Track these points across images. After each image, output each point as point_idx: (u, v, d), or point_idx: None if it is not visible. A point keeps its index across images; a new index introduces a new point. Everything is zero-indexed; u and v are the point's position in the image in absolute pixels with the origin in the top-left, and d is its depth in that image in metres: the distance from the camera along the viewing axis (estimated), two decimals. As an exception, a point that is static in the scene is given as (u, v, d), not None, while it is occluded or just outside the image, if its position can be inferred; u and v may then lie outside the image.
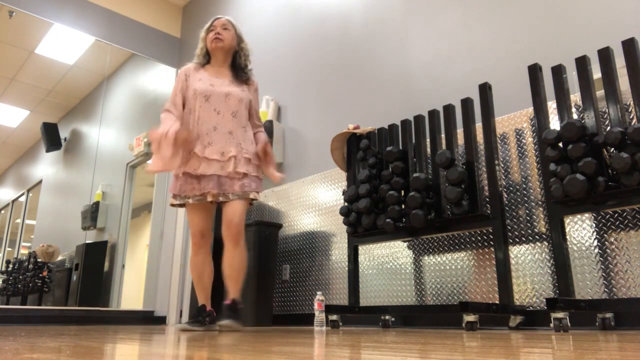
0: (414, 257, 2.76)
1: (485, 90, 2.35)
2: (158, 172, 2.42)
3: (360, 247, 3.05)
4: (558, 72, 2.10)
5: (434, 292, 2.62)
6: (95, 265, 4.91)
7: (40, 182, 5.29)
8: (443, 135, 2.79)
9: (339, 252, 3.23)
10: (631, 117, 2.07)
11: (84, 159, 5.24)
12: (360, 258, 3.05)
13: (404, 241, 2.82)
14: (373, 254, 2.99)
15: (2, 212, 5.20)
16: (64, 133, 5.23)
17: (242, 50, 2.68)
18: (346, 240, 3.19)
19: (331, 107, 3.61)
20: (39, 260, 4.86)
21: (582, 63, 2.03)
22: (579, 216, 2.15)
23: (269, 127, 3.88)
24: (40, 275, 4.83)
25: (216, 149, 2.45)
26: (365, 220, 2.62)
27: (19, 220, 5.15)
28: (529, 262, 2.27)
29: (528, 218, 2.32)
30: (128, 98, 5.54)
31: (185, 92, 2.58)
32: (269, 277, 3.38)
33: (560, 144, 1.96)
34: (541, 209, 2.29)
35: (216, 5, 5.31)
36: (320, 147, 3.62)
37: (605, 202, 1.88)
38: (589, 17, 2.32)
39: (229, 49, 2.62)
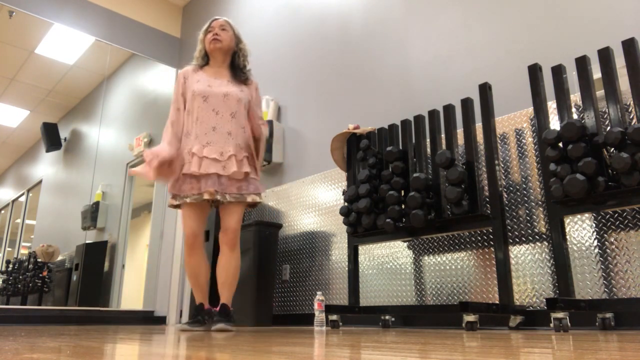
0: (414, 257, 2.76)
1: (485, 90, 2.35)
2: (137, 175, 2.44)
3: (360, 247, 3.05)
4: (558, 72, 2.10)
5: (434, 292, 2.62)
6: (95, 265, 4.91)
7: (40, 182, 5.29)
8: (443, 135, 2.79)
9: (339, 252, 3.23)
10: (631, 117, 2.07)
11: (84, 159, 5.24)
12: (360, 258, 3.05)
13: (404, 241, 2.82)
14: (373, 254, 2.99)
15: (2, 212, 5.20)
16: (64, 133, 5.23)
17: (241, 50, 2.68)
18: (346, 240, 3.19)
19: (331, 107, 3.61)
20: (39, 260, 4.86)
21: (582, 63, 2.03)
22: (579, 216, 2.15)
23: (269, 127, 3.88)
24: (40, 275, 4.83)
25: (215, 148, 2.45)
26: (365, 220, 2.62)
27: (19, 220, 5.15)
28: (529, 262, 2.27)
29: (528, 218, 2.32)
30: (128, 98, 5.54)
31: (185, 94, 2.59)
32: (269, 277, 3.38)
33: (560, 144, 1.96)
34: (541, 209, 2.29)
35: (216, 6, 5.31)
36: (320, 147, 3.62)
37: (605, 202, 1.88)
38: (589, 17, 2.32)
39: (227, 49, 2.62)
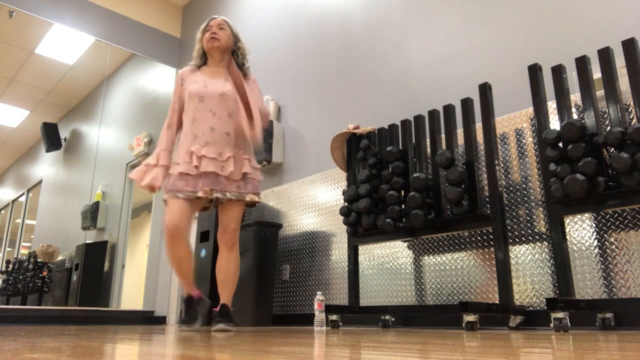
0: (414, 257, 2.76)
1: (485, 90, 2.35)
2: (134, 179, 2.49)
3: (360, 247, 3.05)
4: (558, 72, 2.10)
5: (434, 292, 2.62)
6: (95, 265, 4.91)
7: (40, 182, 5.29)
8: (443, 135, 2.79)
9: (339, 252, 3.23)
10: (631, 117, 2.07)
11: (84, 159, 5.24)
12: (360, 258, 3.05)
13: (404, 241, 2.82)
14: (373, 254, 2.99)
15: (2, 212, 5.20)
16: (64, 133, 5.23)
17: (239, 49, 2.66)
18: (346, 240, 3.19)
19: (331, 107, 3.61)
20: (39, 260, 4.86)
21: (582, 63, 2.03)
22: (579, 216, 2.15)
23: (269, 127, 3.88)
24: (40, 275, 4.83)
25: (214, 149, 2.44)
26: (365, 220, 2.62)
27: (19, 220, 5.15)
28: (529, 262, 2.27)
29: (528, 218, 2.32)
30: (128, 98, 5.55)
31: (182, 96, 2.59)
32: (269, 277, 3.38)
33: (560, 144, 1.96)
34: (541, 209, 2.29)
35: (216, 6, 5.31)
36: (320, 147, 3.62)
37: (605, 202, 1.88)
38: (589, 17, 2.32)
39: (225, 48, 2.61)
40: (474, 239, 2.50)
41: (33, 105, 5.11)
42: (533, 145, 2.39)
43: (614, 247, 2.02)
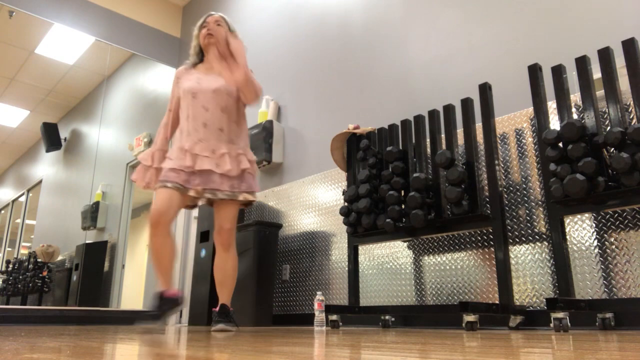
0: (414, 257, 2.76)
1: (485, 90, 2.35)
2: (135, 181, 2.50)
3: (360, 247, 3.05)
4: (558, 72, 2.10)
5: (434, 292, 2.61)
6: (95, 265, 4.91)
7: (40, 182, 5.29)
8: (443, 135, 2.79)
9: (339, 252, 3.23)
10: (631, 117, 2.07)
11: (84, 159, 5.24)
12: (360, 258, 3.05)
13: (404, 241, 2.82)
14: (373, 254, 2.99)
15: (2, 212, 5.20)
16: (64, 133, 5.22)
17: None
18: (346, 240, 3.19)
19: (331, 107, 3.61)
20: (39, 260, 4.86)
21: (582, 63, 2.03)
22: (579, 216, 2.15)
23: (269, 127, 3.88)
24: (40, 275, 4.83)
25: (207, 146, 2.40)
26: (365, 220, 2.62)
27: (19, 220, 5.15)
28: (529, 262, 2.27)
29: (528, 218, 2.32)
30: (128, 98, 5.54)
31: (177, 94, 2.58)
32: (269, 277, 3.38)
33: (560, 144, 1.96)
34: (541, 209, 2.29)
35: (216, 5, 5.31)
36: (320, 147, 3.61)
37: (605, 202, 1.88)
38: (589, 17, 2.32)
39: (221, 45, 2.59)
40: (474, 239, 2.50)
41: (33, 105, 5.11)
42: (533, 145, 2.39)
43: (614, 247, 2.02)
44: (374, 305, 2.66)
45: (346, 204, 2.82)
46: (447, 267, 2.58)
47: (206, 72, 2.56)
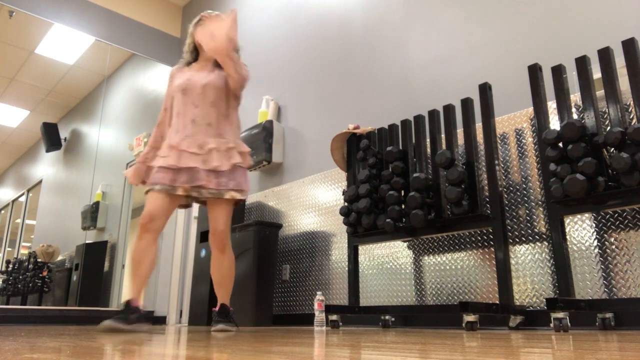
0: (414, 257, 2.76)
1: (485, 90, 2.35)
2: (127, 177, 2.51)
3: (360, 247, 3.05)
4: (558, 72, 2.10)
5: (434, 292, 2.62)
6: (95, 265, 4.91)
7: (40, 182, 5.29)
8: (443, 135, 2.79)
9: (339, 252, 3.23)
10: (631, 117, 2.07)
11: (84, 159, 5.24)
12: (360, 258, 3.05)
13: (404, 241, 2.82)
14: (373, 254, 2.99)
15: (2, 212, 5.20)
16: (64, 133, 5.23)
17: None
18: (346, 240, 3.19)
19: (331, 107, 3.61)
20: (39, 260, 4.86)
21: (582, 63, 2.03)
22: (579, 216, 2.15)
23: (269, 127, 3.88)
24: (40, 275, 4.83)
25: (194, 141, 2.36)
26: (365, 220, 2.62)
27: (19, 220, 5.15)
28: (529, 262, 2.27)
29: (528, 218, 2.32)
30: (128, 98, 5.54)
31: (171, 93, 2.58)
32: (269, 277, 3.38)
33: (560, 144, 1.96)
34: (541, 209, 2.29)
35: (216, 5, 5.31)
36: (320, 147, 3.62)
37: (605, 202, 1.88)
38: (589, 17, 2.32)
39: None
40: (474, 239, 2.50)
41: (33, 105, 5.11)
42: (533, 145, 2.39)
43: (614, 247, 2.02)
44: (374, 305, 2.66)
45: (346, 204, 2.82)
46: (447, 267, 2.58)
47: (199, 70, 2.54)
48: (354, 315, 2.89)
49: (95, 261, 4.91)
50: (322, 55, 3.80)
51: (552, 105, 2.33)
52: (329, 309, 2.52)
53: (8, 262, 4.88)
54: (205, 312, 3.61)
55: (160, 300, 4.67)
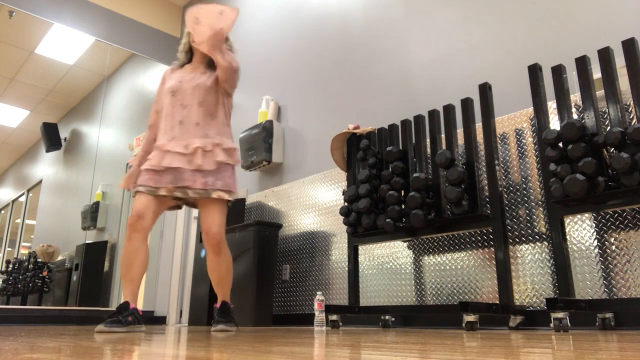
0: (414, 257, 2.76)
1: (485, 90, 2.35)
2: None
3: (360, 247, 3.05)
4: (558, 72, 2.10)
5: (434, 292, 2.61)
6: (95, 265, 4.91)
7: (40, 182, 5.29)
8: (443, 135, 2.79)
9: (339, 252, 3.23)
10: (631, 117, 2.07)
11: (84, 159, 5.24)
12: (360, 258, 3.05)
13: (404, 241, 2.82)
14: (373, 254, 2.99)
15: (2, 212, 5.20)
16: (64, 133, 5.23)
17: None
18: (346, 240, 3.19)
19: (331, 107, 3.61)
20: (39, 260, 4.86)
21: (582, 63, 2.03)
22: (579, 216, 2.15)
23: (269, 127, 3.88)
24: (40, 275, 4.83)
25: (180, 142, 2.35)
26: (365, 220, 2.62)
27: (19, 220, 5.15)
28: (529, 262, 2.27)
29: (528, 218, 2.32)
30: (128, 98, 5.54)
31: (162, 95, 2.57)
32: (269, 277, 3.38)
33: (560, 144, 1.96)
34: (541, 209, 2.29)
35: (216, 5, 5.30)
36: (320, 147, 3.62)
37: (605, 202, 1.88)
38: (589, 17, 2.32)
39: None
40: (474, 239, 2.50)
41: (33, 105, 5.11)
42: (533, 145, 2.39)
43: (614, 247, 2.02)
44: (374, 305, 2.66)
45: (346, 204, 2.82)
46: (447, 267, 2.58)
47: (191, 71, 2.53)
48: (354, 315, 2.89)
49: (95, 261, 4.91)
50: (322, 55, 3.80)
51: (552, 105, 2.33)
52: (329, 309, 2.52)
53: (8, 262, 4.88)
54: (205, 312, 3.61)
55: (160, 300, 4.67)
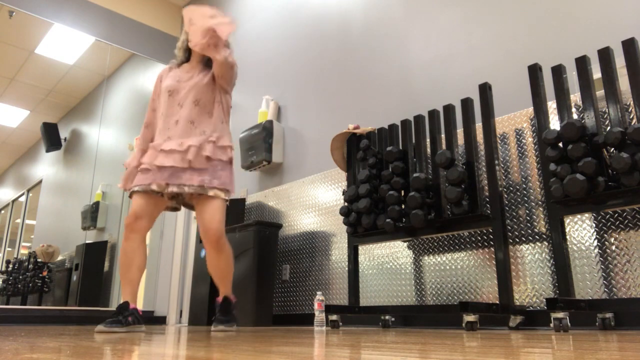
0: (414, 257, 2.76)
1: (485, 90, 2.35)
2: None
3: (360, 247, 3.05)
4: (558, 72, 2.10)
5: (434, 292, 2.61)
6: (95, 265, 4.91)
7: (40, 182, 5.29)
8: (443, 135, 2.79)
9: (339, 252, 3.23)
10: (631, 117, 2.07)
11: (84, 159, 5.24)
12: (360, 258, 3.05)
13: (404, 241, 2.82)
14: (373, 254, 2.99)
15: (2, 212, 5.20)
16: (64, 133, 5.22)
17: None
18: (346, 240, 3.19)
19: (331, 107, 3.61)
20: (39, 260, 4.86)
21: (582, 63, 2.03)
22: (579, 216, 2.15)
23: (269, 127, 3.88)
24: (40, 275, 4.83)
25: (174, 141, 2.34)
26: (365, 220, 2.62)
27: (19, 220, 5.15)
28: (529, 262, 2.27)
29: (528, 218, 2.32)
30: (128, 98, 5.54)
31: (159, 94, 2.56)
32: (269, 277, 3.38)
33: (560, 144, 1.96)
34: (541, 209, 2.29)
35: (216, 6, 5.31)
36: (320, 147, 3.61)
37: (605, 202, 1.88)
38: (589, 17, 2.32)
39: None
40: (474, 239, 2.50)
41: (33, 105, 5.10)
42: (533, 145, 2.39)
43: (614, 247, 2.02)
44: (374, 305, 2.66)
45: (346, 204, 2.82)
46: (447, 267, 2.58)
47: (188, 71, 2.52)
48: (354, 315, 2.89)
49: (95, 261, 4.91)
50: (322, 55, 3.80)
51: (552, 105, 2.33)
52: (329, 309, 2.52)
53: (8, 262, 4.88)
54: (205, 312, 3.61)
55: (160, 300, 4.67)
